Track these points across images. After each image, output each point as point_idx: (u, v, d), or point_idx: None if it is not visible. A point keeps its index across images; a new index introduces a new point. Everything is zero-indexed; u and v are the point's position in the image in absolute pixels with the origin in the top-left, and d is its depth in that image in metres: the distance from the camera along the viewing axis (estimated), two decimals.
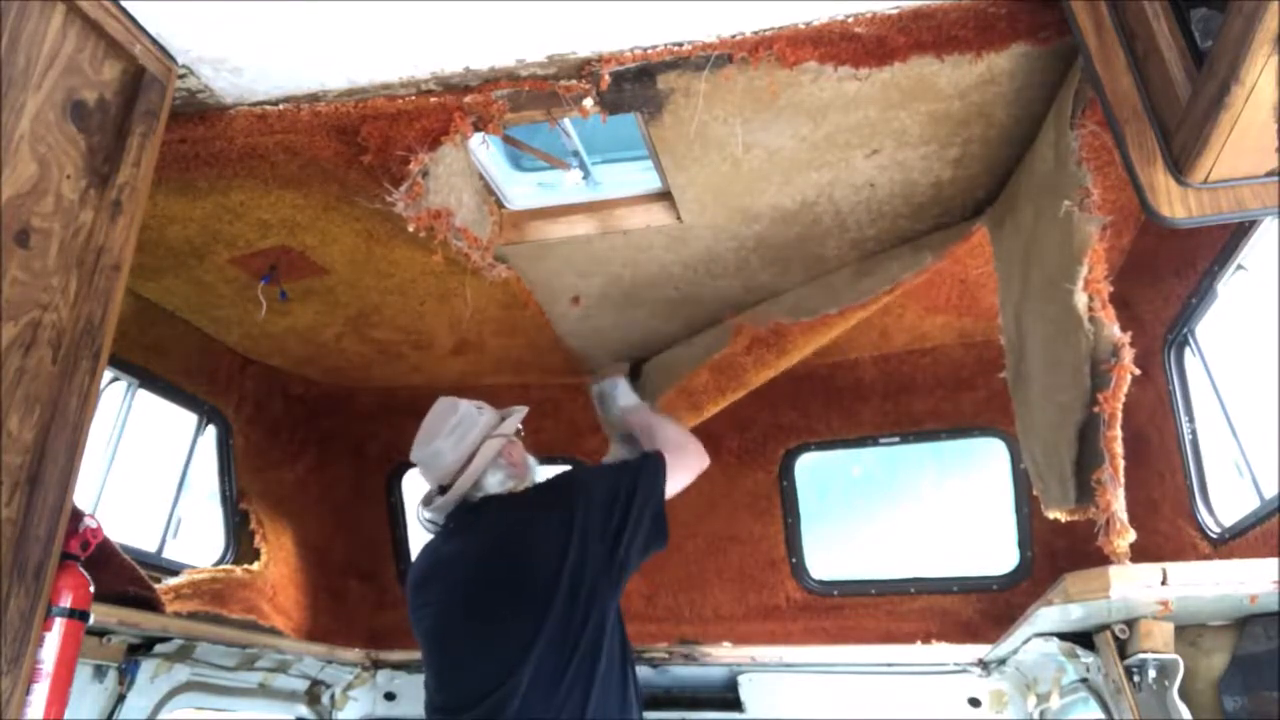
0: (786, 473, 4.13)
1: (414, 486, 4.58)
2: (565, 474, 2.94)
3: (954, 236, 2.96)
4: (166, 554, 3.53)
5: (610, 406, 3.42)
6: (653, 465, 2.74)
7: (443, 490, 2.75)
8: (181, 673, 2.99)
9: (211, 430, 3.85)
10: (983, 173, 2.73)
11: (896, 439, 4.07)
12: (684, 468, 2.85)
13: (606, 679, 2.44)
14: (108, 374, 3.12)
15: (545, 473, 2.93)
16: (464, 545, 2.67)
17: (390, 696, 4.02)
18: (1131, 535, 2.09)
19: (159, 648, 2.82)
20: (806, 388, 4.00)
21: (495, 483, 2.72)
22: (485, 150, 2.82)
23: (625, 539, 2.55)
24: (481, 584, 2.54)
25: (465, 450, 2.71)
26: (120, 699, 2.70)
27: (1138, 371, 2.10)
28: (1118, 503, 2.08)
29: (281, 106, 2.35)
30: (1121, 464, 2.08)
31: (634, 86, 2.27)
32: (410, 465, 4.49)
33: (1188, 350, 2.84)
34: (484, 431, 2.75)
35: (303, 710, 3.73)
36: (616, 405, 3.38)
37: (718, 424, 3.70)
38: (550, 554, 2.47)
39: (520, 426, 2.89)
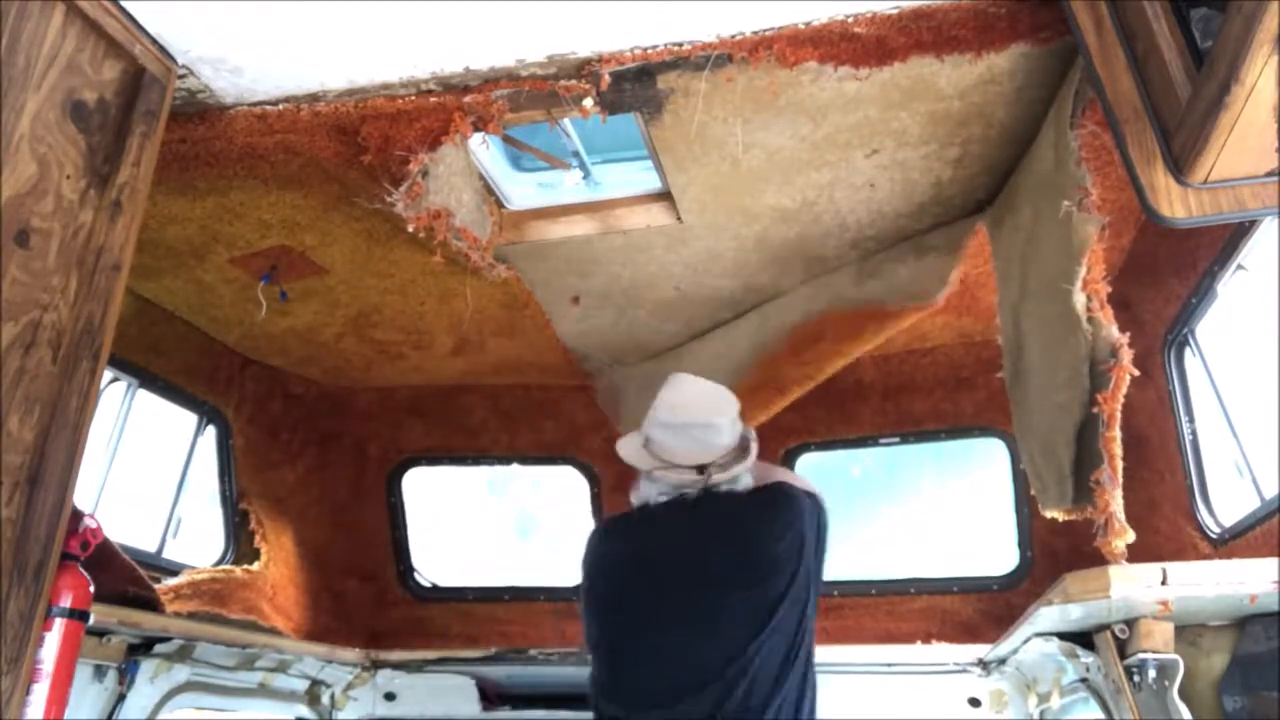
0: None
1: (414, 486, 4.56)
2: (782, 487, 2.67)
3: (957, 233, 2.96)
4: (166, 554, 3.53)
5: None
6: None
7: (700, 470, 2.54)
8: (181, 673, 2.98)
9: (211, 430, 3.85)
10: (983, 173, 2.73)
11: (896, 439, 4.07)
12: None
13: (811, 680, 2.42)
14: (108, 374, 3.11)
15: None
16: (683, 534, 2.53)
17: (390, 696, 4.01)
18: (1130, 536, 2.09)
19: (159, 648, 2.82)
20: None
21: (748, 480, 2.60)
22: (485, 150, 2.82)
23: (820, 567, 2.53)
24: (709, 577, 2.42)
25: (740, 437, 2.60)
26: (120, 699, 2.70)
27: (1136, 372, 2.10)
28: (1116, 503, 2.09)
29: (281, 106, 2.35)
30: (1120, 464, 2.09)
31: (634, 86, 2.27)
32: (409, 465, 4.54)
33: (1188, 350, 2.84)
34: (744, 426, 2.66)
35: (303, 710, 3.72)
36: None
37: None
38: (787, 557, 2.41)
39: None
